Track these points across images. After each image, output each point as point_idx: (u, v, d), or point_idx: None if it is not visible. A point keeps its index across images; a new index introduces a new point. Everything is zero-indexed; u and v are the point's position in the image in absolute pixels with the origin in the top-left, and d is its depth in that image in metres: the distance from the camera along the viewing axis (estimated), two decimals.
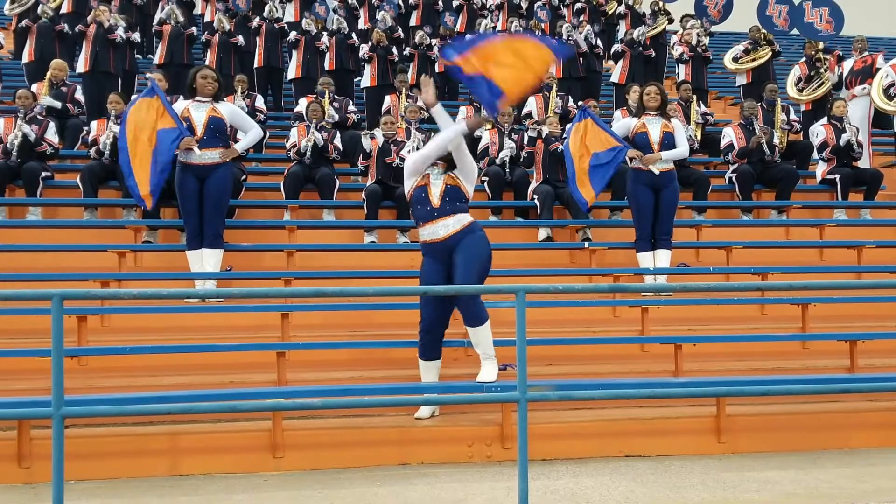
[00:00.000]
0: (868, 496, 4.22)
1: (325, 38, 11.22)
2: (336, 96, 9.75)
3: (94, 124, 8.09)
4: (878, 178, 8.95)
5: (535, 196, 7.96)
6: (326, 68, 11.12)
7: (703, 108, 10.09)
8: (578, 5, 14.18)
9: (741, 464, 4.89)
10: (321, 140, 8.17)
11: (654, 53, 11.94)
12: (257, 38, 11.36)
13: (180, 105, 6.61)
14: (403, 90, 10.00)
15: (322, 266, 7.08)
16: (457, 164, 5.03)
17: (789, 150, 9.69)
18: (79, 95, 9.38)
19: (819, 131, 9.12)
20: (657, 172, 6.91)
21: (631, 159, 7.03)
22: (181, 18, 10.94)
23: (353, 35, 11.61)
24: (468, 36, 4.68)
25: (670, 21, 12.92)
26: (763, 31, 11.93)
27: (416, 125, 8.57)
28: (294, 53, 11.17)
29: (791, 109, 10.03)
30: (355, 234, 7.82)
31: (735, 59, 11.79)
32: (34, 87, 8.90)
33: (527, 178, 8.28)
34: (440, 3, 13.73)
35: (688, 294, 6.72)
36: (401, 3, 14.01)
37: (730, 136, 8.87)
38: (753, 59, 11.61)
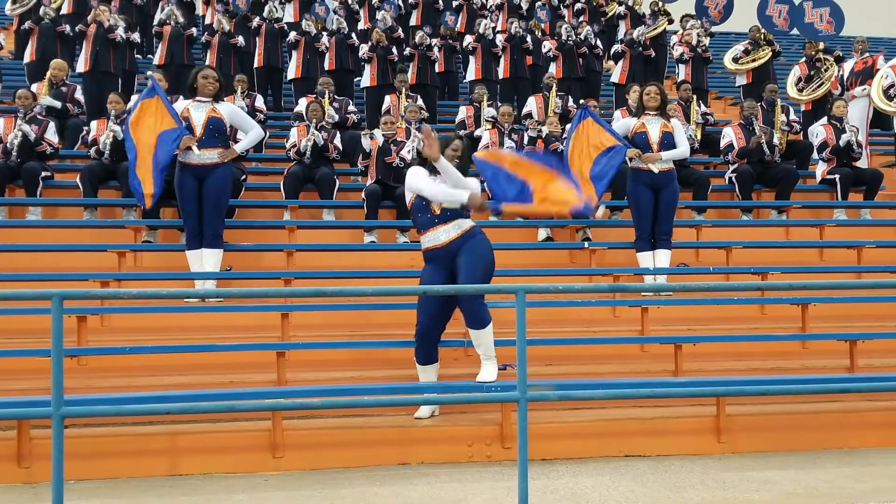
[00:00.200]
0: (867, 496, 4.22)
1: (324, 39, 11.22)
2: (336, 96, 9.75)
3: (93, 124, 8.09)
4: (877, 178, 8.95)
5: None
6: (326, 68, 11.12)
7: (703, 108, 10.09)
8: (578, 5, 14.19)
9: (741, 463, 4.89)
10: (321, 140, 8.17)
11: (654, 54, 11.94)
12: (257, 39, 11.36)
13: (180, 105, 6.61)
14: (403, 90, 10.00)
15: (322, 266, 7.08)
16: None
17: (789, 150, 9.69)
18: (79, 95, 9.38)
19: (819, 131, 9.12)
20: (656, 171, 6.91)
21: (630, 159, 7.03)
22: (181, 19, 10.94)
23: (353, 35, 11.61)
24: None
25: (670, 21, 12.92)
26: (763, 31, 11.93)
27: (415, 125, 8.56)
28: (294, 53, 11.17)
29: (791, 109, 10.04)
30: (355, 234, 7.82)
31: (735, 60, 11.79)
32: (34, 87, 8.91)
33: None
34: (440, 2, 13.74)
35: (688, 294, 6.72)
36: (401, 3, 14.01)
37: (729, 136, 8.87)
38: (753, 60, 11.62)
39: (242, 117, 6.83)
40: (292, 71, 11.19)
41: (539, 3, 13.60)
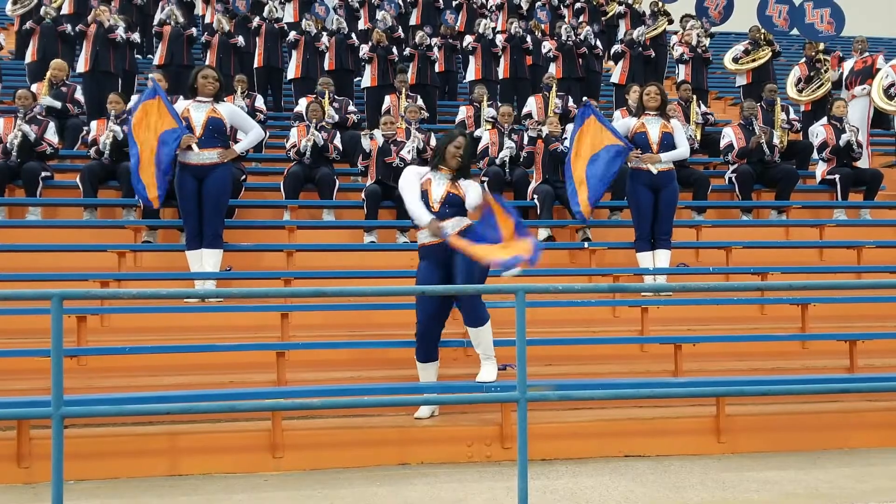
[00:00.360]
0: (867, 496, 4.22)
1: (324, 39, 11.21)
2: (336, 96, 9.75)
3: (93, 124, 8.09)
4: (877, 178, 8.95)
5: (535, 196, 7.96)
6: (326, 68, 11.11)
7: (703, 108, 10.09)
8: (578, 5, 14.19)
9: (741, 464, 4.89)
10: (321, 140, 8.17)
11: (653, 54, 11.94)
12: (257, 39, 11.36)
13: (181, 105, 6.61)
14: (403, 90, 10.00)
15: (322, 266, 7.08)
16: None
17: (789, 150, 9.69)
18: (78, 95, 9.37)
19: (819, 131, 9.12)
20: (655, 172, 6.90)
21: (630, 159, 7.03)
22: (181, 19, 10.94)
23: (353, 35, 11.61)
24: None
25: (670, 22, 12.92)
26: (763, 31, 11.92)
27: (415, 125, 8.56)
28: (294, 53, 11.17)
29: (791, 109, 10.03)
30: (355, 234, 7.82)
31: (735, 60, 11.79)
32: (34, 87, 8.91)
33: (526, 178, 8.29)
34: (441, 1, 13.73)
35: (687, 294, 6.72)
36: (401, 2, 14.01)
37: (729, 136, 8.87)
38: (753, 60, 11.61)
39: (243, 117, 6.83)
40: (292, 71, 11.19)
41: (539, 4, 13.60)
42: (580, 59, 11.55)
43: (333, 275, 6.82)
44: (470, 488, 4.36)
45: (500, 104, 9.67)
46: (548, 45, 11.65)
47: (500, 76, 11.68)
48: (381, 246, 7.50)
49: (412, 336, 5.30)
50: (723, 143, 8.94)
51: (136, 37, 10.82)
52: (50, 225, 7.55)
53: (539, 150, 8.19)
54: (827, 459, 4.98)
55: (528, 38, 11.78)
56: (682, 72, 11.64)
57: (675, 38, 12.22)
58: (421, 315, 5.15)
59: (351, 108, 9.78)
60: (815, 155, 9.29)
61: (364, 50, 11.07)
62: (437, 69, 11.57)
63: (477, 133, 9.49)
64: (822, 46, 11.41)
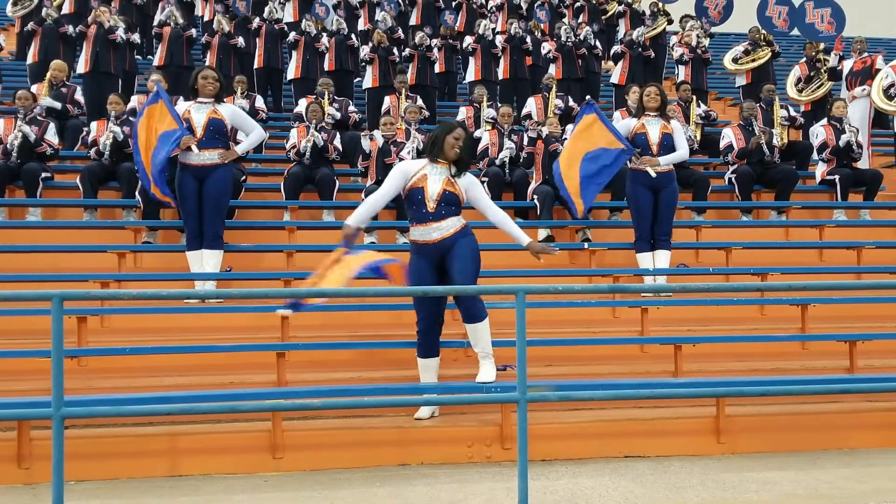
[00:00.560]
0: (867, 496, 4.23)
1: (324, 39, 11.22)
2: (335, 97, 9.75)
3: (93, 125, 8.09)
4: (877, 178, 8.96)
5: (535, 196, 7.96)
6: (326, 69, 11.12)
7: (704, 107, 10.09)
8: (578, 4, 14.19)
9: (741, 464, 4.89)
10: (321, 141, 8.18)
11: (653, 54, 11.95)
12: (257, 39, 11.37)
13: (182, 106, 6.60)
14: (403, 91, 10.00)
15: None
16: None
17: (789, 150, 9.69)
18: (79, 96, 9.38)
19: (819, 132, 9.13)
20: (654, 175, 6.90)
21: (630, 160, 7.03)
22: (181, 20, 10.95)
23: (353, 36, 11.62)
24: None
25: (670, 22, 12.92)
26: (763, 31, 11.95)
27: (415, 126, 8.57)
28: (294, 54, 11.18)
29: (790, 109, 10.04)
30: None
31: (735, 60, 11.81)
32: (34, 88, 8.91)
33: (526, 179, 8.29)
34: (440, 1, 13.74)
35: (687, 295, 6.73)
36: (400, 2, 14.02)
37: (729, 136, 8.88)
38: (753, 60, 11.63)
39: (244, 118, 6.82)
40: (292, 71, 11.20)
41: (538, 3, 13.60)
42: (580, 60, 11.56)
43: None
44: (470, 489, 4.36)
45: (499, 105, 9.67)
46: (547, 46, 11.66)
47: (500, 77, 11.69)
48: (380, 247, 7.49)
49: (412, 336, 5.29)
50: (722, 144, 8.95)
51: (136, 37, 10.84)
52: (50, 226, 7.56)
53: (539, 151, 8.19)
54: (827, 460, 4.98)
55: (528, 39, 11.78)
56: (682, 72, 11.65)
57: (674, 39, 12.23)
58: (422, 313, 5.14)
59: (351, 108, 9.79)
60: (814, 155, 9.30)
61: (365, 51, 11.08)
62: (436, 70, 11.57)
63: (477, 134, 9.49)
64: (822, 46, 11.42)
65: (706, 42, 12.19)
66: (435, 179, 5.02)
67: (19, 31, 12.74)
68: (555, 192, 7.85)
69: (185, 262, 6.67)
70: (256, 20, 11.40)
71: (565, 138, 8.05)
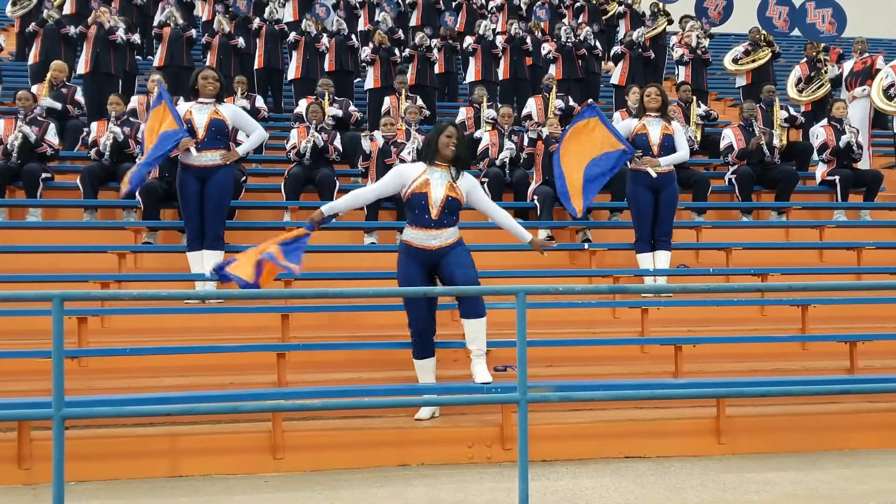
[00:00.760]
0: (868, 497, 4.23)
1: (324, 39, 11.23)
2: (335, 97, 9.76)
3: (94, 125, 8.10)
4: (877, 179, 8.96)
5: (535, 197, 7.96)
6: (326, 69, 11.13)
7: (704, 108, 10.10)
8: (578, 5, 14.19)
9: (741, 465, 4.89)
10: (321, 141, 8.18)
11: (653, 55, 11.95)
12: (257, 40, 11.38)
13: (183, 107, 6.59)
14: (403, 91, 10.00)
15: (322, 267, 7.07)
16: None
17: (789, 151, 9.70)
18: (79, 97, 9.39)
19: (819, 132, 9.13)
20: (654, 176, 6.90)
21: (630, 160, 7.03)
22: (181, 21, 10.95)
23: (353, 36, 11.62)
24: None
25: (670, 22, 12.93)
26: (763, 32, 11.95)
27: (415, 126, 8.57)
28: (294, 54, 11.19)
29: (790, 110, 10.04)
30: (355, 235, 7.82)
31: (735, 61, 11.81)
32: (34, 89, 8.92)
33: (527, 180, 8.29)
34: (440, 2, 13.75)
35: (688, 295, 6.73)
36: (400, 1, 14.03)
37: (729, 137, 8.88)
38: (753, 61, 11.63)
39: (245, 118, 6.81)
40: (292, 71, 11.21)
41: (538, 3, 13.61)
42: (580, 61, 11.56)
43: (334, 276, 6.82)
44: (470, 489, 4.36)
45: (499, 105, 9.68)
46: (547, 47, 11.66)
47: (500, 77, 11.69)
48: (381, 247, 7.50)
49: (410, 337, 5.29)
50: (723, 145, 8.95)
51: (136, 38, 10.84)
52: (50, 226, 7.55)
53: (539, 152, 8.19)
54: (827, 460, 4.98)
55: (528, 39, 11.79)
56: (682, 73, 11.66)
57: (674, 39, 12.23)
58: (414, 313, 5.10)
59: (351, 108, 9.79)
60: (815, 156, 9.30)
61: (366, 52, 11.08)
62: (436, 70, 11.58)
63: (477, 134, 9.51)
64: (822, 46, 11.42)
65: (706, 42, 12.20)
66: (438, 185, 4.99)
67: (18, 32, 12.75)
68: (555, 193, 7.85)
69: (186, 263, 6.67)
70: (257, 20, 11.41)
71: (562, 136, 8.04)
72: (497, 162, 8.41)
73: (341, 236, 7.88)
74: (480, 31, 11.68)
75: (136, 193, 7.36)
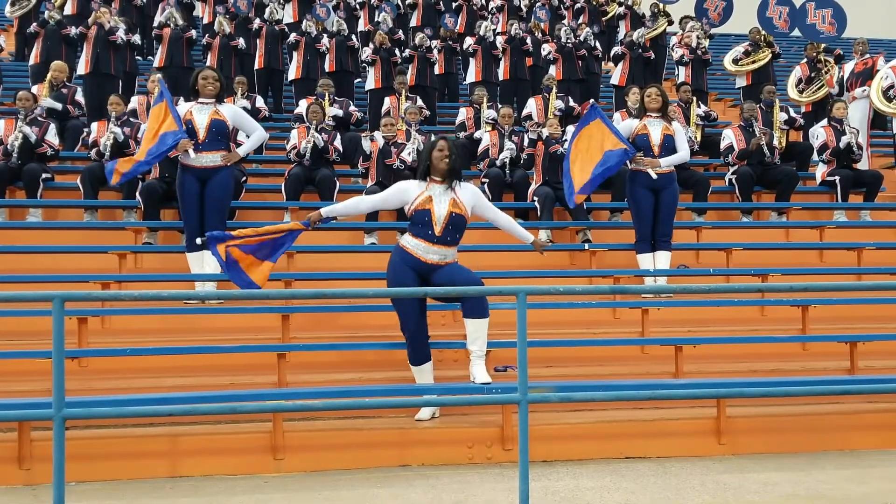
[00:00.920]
0: (868, 497, 4.23)
1: (325, 40, 11.23)
2: (336, 98, 9.76)
3: (94, 126, 8.10)
4: (877, 179, 8.96)
5: (535, 198, 7.96)
6: (326, 70, 11.13)
7: (704, 108, 10.10)
8: (578, 6, 14.20)
9: (741, 465, 4.89)
10: (321, 141, 8.18)
11: (653, 55, 11.95)
12: (258, 41, 11.38)
13: (183, 107, 6.59)
14: (403, 92, 10.01)
15: (322, 268, 7.08)
16: None
17: (789, 151, 9.71)
18: (79, 97, 9.39)
19: (819, 133, 9.13)
20: (654, 177, 6.89)
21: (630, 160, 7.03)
22: (181, 22, 10.96)
23: (353, 37, 11.61)
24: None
25: (670, 23, 12.93)
26: (763, 32, 11.95)
27: (415, 127, 8.57)
28: (294, 54, 11.19)
29: (790, 110, 10.04)
30: (355, 236, 7.82)
31: (735, 61, 11.81)
32: (34, 89, 8.92)
33: (527, 180, 8.29)
34: (441, 3, 13.76)
35: (688, 296, 6.73)
36: (399, 3, 14.04)
37: (730, 137, 8.88)
38: (753, 62, 11.63)
39: (245, 119, 6.81)
40: (293, 72, 11.21)
41: (539, 4, 13.62)
42: (580, 61, 11.56)
43: (334, 276, 6.82)
44: (471, 490, 4.36)
45: (500, 106, 9.68)
46: (547, 48, 11.66)
47: (501, 78, 11.69)
48: (381, 247, 7.49)
49: None
50: (723, 145, 8.96)
51: (136, 39, 10.84)
52: (50, 226, 7.56)
53: (539, 152, 8.19)
54: (827, 461, 4.98)
55: (529, 40, 11.79)
56: (682, 73, 11.66)
57: (674, 40, 12.24)
58: (407, 317, 5.08)
59: (352, 108, 9.80)
60: (815, 156, 9.30)
61: (367, 53, 11.08)
62: (436, 71, 11.58)
63: (477, 135, 9.51)
64: (822, 47, 11.42)
65: (706, 43, 12.20)
66: (440, 201, 5.01)
67: (17, 32, 12.75)
68: (555, 194, 7.86)
69: (186, 263, 6.67)
70: (257, 21, 11.41)
71: (566, 139, 8.05)
72: (497, 162, 8.41)
73: (341, 236, 7.88)
74: (481, 32, 11.68)
75: (137, 194, 7.37)
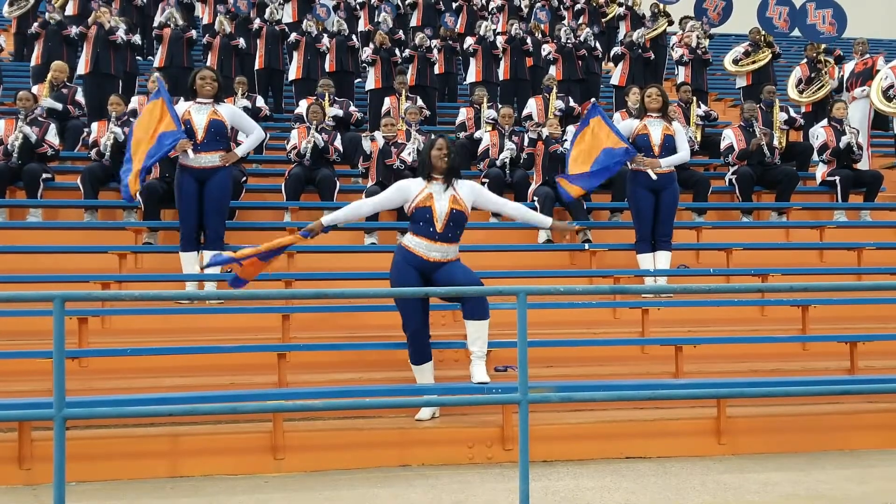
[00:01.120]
0: (868, 497, 4.23)
1: (325, 40, 11.23)
2: (336, 98, 9.76)
3: (94, 126, 8.10)
4: (878, 179, 8.96)
5: (535, 198, 7.96)
6: (327, 70, 11.13)
7: (704, 108, 10.10)
8: (578, 6, 14.20)
9: (741, 465, 4.89)
10: (321, 142, 8.18)
11: (653, 56, 11.95)
12: (258, 41, 11.38)
13: (182, 107, 6.57)
14: (403, 92, 10.01)
15: (322, 267, 7.08)
16: None
17: (789, 151, 9.71)
18: (79, 97, 9.39)
19: (819, 133, 9.13)
20: (654, 177, 6.89)
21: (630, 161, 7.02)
22: (181, 22, 10.96)
23: (354, 37, 11.61)
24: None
25: (670, 23, 12.92)
26: (763, 32, 11.95)
27: (416, 127, 8.57)
28: (294, 54, 11.19)
29: (790, 110, 10.05)
30: (356, 236, 7.82)
31: (735, 62, 11.80)
32: (35, 89, 8.92)
33: (527, 180, 8.30)
34: (441, 3, 13.76)
35: (688, 296, 6.73)
36: (399, 3, 14.04)
37: (730, 137, 8.88)
38: (753, 62, 11.63)
39: (244, 119, 6.80)
40: (293, 72, 11.21)
41: (539, 4, 13.62)
42: (580, 61, 11.56)
43: (334, 276, 6.83)
44: (471, 490, 4.36)
45: (500, 106, 9.68)
46: (548, 48, 11.67)
47: (501, 78, 11.70)
48: (381, 247, 7.50)
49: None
50: (723, 145, 8.96)
51: (136, 39, 10.84)
52: (51, 226, 7.56)
53: (539, 152, 8.20)
54: (827, 461, 4.98)
55: (529, 40, 11.79)
56: (682, 73, 11.66)
57: (674, 40, 12.23)
58: (409, 316, 5.09)
59: (352, 108, 9.80)
60: (815, 157, 9.30)
61: (367, 53, 11.08)
62: (436, 71, 11.58)
63: (477, 135, 9.51)
64: (822, 47, 11.42)
65: (706, 43, 12.20)
66: (441, 198, 5.03)
67: (16, 32, 12.74)
68: (555, 194, 7.85)
69: None
70: (257, 21, 11.42)
71: (566, 139, 8.05)
72: (497, 162, 8.41)
73: (341, 236, 7.88)
74: (481, 32, 11.68)
75: (137, 194, 7.35)
